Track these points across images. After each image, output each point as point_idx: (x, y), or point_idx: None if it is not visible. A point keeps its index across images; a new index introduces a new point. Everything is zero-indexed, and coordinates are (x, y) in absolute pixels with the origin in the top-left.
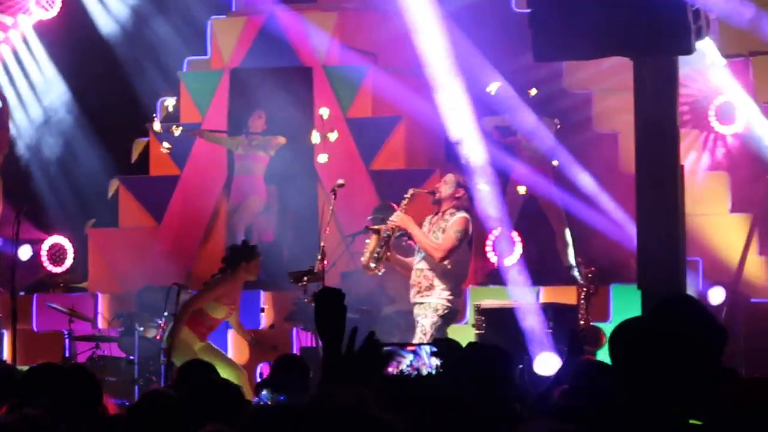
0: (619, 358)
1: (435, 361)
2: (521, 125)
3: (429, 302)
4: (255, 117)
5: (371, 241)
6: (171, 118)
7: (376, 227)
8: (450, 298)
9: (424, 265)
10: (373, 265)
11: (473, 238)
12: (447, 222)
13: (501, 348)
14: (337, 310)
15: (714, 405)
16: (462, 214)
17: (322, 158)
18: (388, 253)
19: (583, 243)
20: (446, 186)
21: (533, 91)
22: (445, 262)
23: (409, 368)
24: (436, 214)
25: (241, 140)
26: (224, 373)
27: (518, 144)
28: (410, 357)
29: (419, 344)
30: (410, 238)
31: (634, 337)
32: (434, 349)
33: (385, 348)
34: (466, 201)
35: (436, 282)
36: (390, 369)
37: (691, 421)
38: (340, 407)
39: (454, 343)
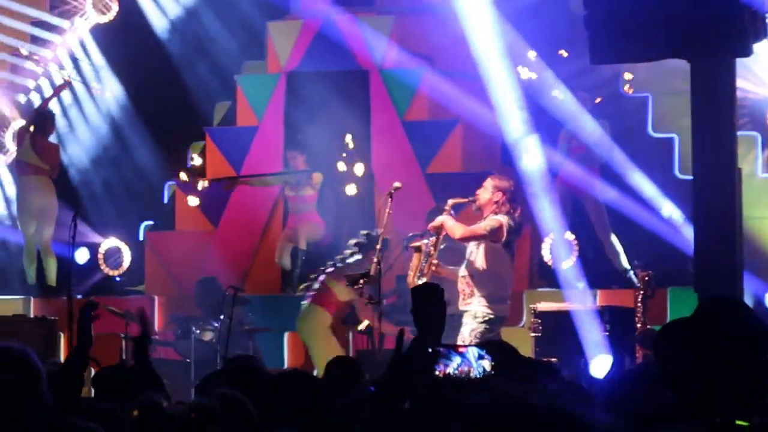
0: (664, 360)
1: (484, 364)
2: (578, 129)
3: (470, 310)
4: (291, 157)
5: (414, 260)
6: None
7: (416, 244)
8: (490, 304)
9: (464, 272)
10: (419, 281)
11: (530, 240)
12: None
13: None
14: (434, 304)
15: None
16: (498, 217)
17: (350, 190)
18: (435, 266)
19: (640, 246)
20: (485, 191)
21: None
22: (481, 267)
23: (456, 371)
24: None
25: (284, 179)
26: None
27: (570, 145)
28: (458, 360)
29: (467, 346)
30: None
31: (679, 339)
32: (482, 353)
33: (435, 349)
34: (507, 205)
35: (476, 289)
36: (438, 372)
37: (738, 422)
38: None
39: (507, 346)
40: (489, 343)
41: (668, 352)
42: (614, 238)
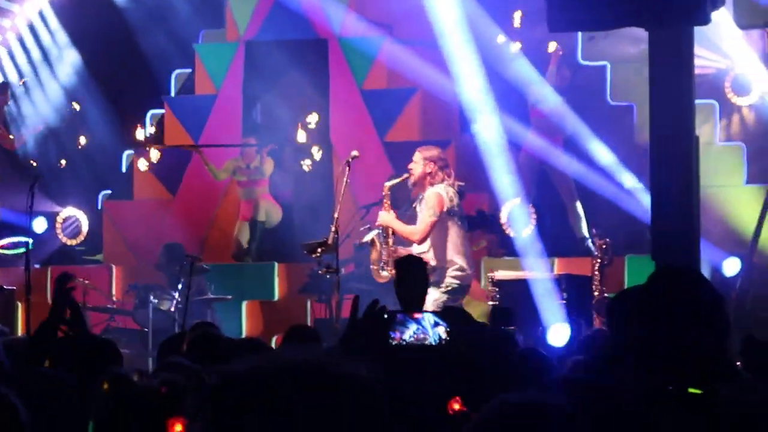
0: (616, 329)
1: (439, 330)
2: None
3: (432, 281)
4: (245, 142)
5: (373, 254)
6: (186, 90)
7: (369, 238)
8: (452, 273)
9: (417, 249)
10: (385, 273)
11: (487, 208)
12: (423, 201)
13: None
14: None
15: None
16: (434, 191)
17: (306, 166)
18: (394, 253)
19: (598, 215)
20: (417, 165)
21: (552, 46)
22: (421, 242)
23: (412, 338)
24: (419, 192)
25: (235, 165)
26: None
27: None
28: (414, 326)
29: (423, 312)
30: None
31: (631, 308)
32: (437, 320)
33: (393, 315)
34: (440, 173)
35: (434, 262)
36: (394, 338)
37: (691, 390)
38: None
39: (463, 314)
40: (444, 310)
41: (621, 320)
42: (578, 205)
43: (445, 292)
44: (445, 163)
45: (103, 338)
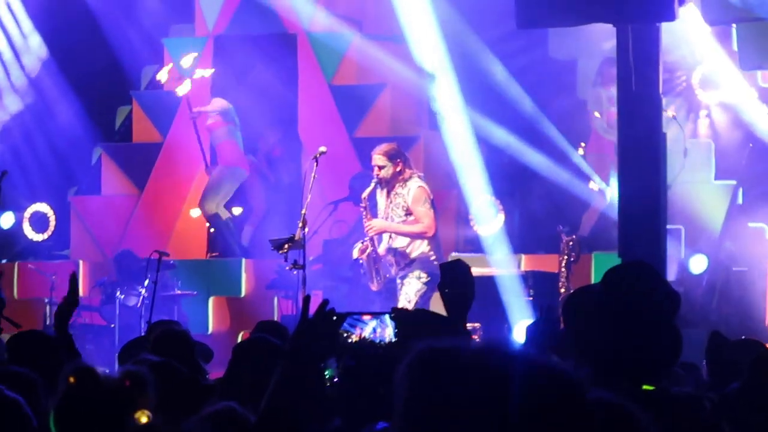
0: (573, 327)
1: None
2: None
3: (412, 273)
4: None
5: (366, 265)
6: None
7: (361, 250)
8: (430, 265)
9: (395, 244)
10: (380, 279)
11: (455, 206)
12: (403, 197)
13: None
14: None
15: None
16: (416, 184)
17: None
18: (381, 260)
19: (565, 211)
20: (385, 169)
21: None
22: (434, 236)
23: (372, 335)
24: (387, 191)
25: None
26: None
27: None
28: (374, 323)
29: (381, 313)
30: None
31: (586, 307)
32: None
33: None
34: (408, 166)
35: (414, 254)
36: (354, 336)
37: (645, 387)
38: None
39: (411, 313)
40: (394, 309)
41: (576, 319)
42: None
43: (425, 283)
44: (406, 156)
45: (57, 335)
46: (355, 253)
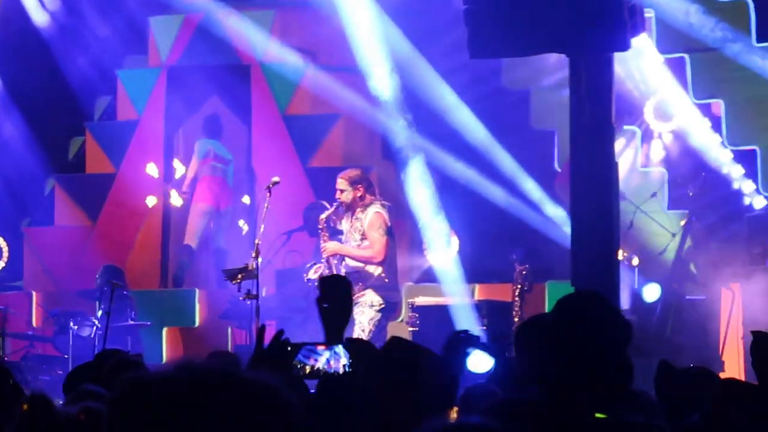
0: (524, 354)
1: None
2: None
3: (364, 300)
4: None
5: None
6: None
7: (315, 271)
8: (384, 292)
9: (350, 268)
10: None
11: (409, 235)
12: (361, 222)
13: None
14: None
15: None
16: (373, 210)
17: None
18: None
19: (519, 240)
20: (346, 193)
21: None
22: (382, 262)
23: (326, 366)
24: (350, 215)
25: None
26: None
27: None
28: (327, 354)
29: (335, 343)
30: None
31: (538, 333)
32: (346, 347)
33: (305, 346)
34: (370, 192)
35: (368, 280)
36: (308, 366)
37: (597, 415)
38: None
39: (364, 344)
40: (348, 339)
41: (528, 348)
42: None
43: (379, 311)
44: (369, 182)
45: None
46: (310, 274)
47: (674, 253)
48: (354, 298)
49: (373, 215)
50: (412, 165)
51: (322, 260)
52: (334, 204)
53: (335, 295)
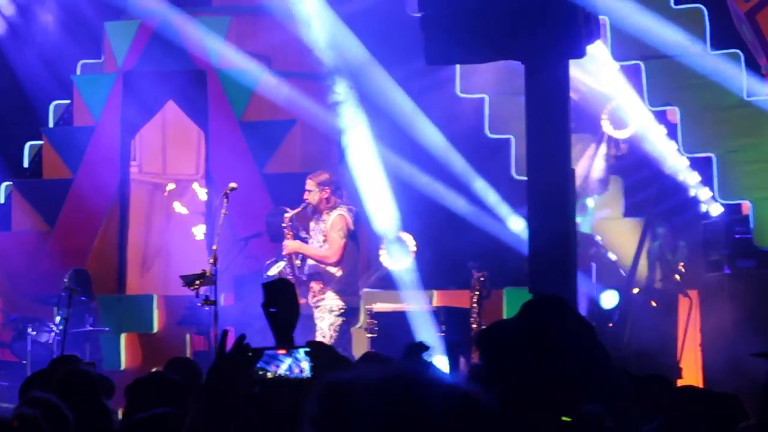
0: (486, 360)
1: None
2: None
3: (324, 305)
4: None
5: None
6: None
7: (277, 271)
8: (343, 297)
9: (312, 269)
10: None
11: (367, 241)
12: (325, 223)
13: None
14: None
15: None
16: (336, 212)
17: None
18: (303, 282)
19: (476, 247)
20: (312, 194)
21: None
22: (337, 263)
23: (287, 372)
24: (318, 217)
25: None
26: None
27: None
28: (289, 360)
29: (295, 347)
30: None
31: (501, 341)
32: (308, 352)
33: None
34: (337, 195)
35: (328, 284)
36: (270, 372)
37: (563, 418)
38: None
39: (325, 347)
40: (309, 343)
41: (494, 353)
42: None
43: (339, 315)
44: (337, 185)
45: None
46: (271, 271)
47: (631, 259)
48: (314, 301)
49: (336, 217)
50: (368, 170)
51: (284, 258)
52: (302, 204)
53: (280, 299)
